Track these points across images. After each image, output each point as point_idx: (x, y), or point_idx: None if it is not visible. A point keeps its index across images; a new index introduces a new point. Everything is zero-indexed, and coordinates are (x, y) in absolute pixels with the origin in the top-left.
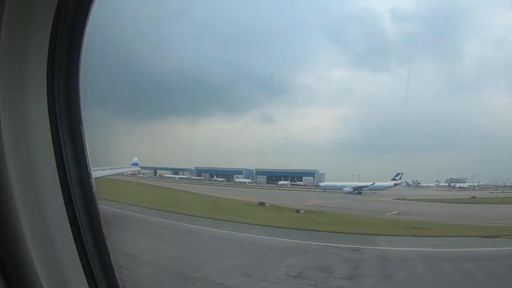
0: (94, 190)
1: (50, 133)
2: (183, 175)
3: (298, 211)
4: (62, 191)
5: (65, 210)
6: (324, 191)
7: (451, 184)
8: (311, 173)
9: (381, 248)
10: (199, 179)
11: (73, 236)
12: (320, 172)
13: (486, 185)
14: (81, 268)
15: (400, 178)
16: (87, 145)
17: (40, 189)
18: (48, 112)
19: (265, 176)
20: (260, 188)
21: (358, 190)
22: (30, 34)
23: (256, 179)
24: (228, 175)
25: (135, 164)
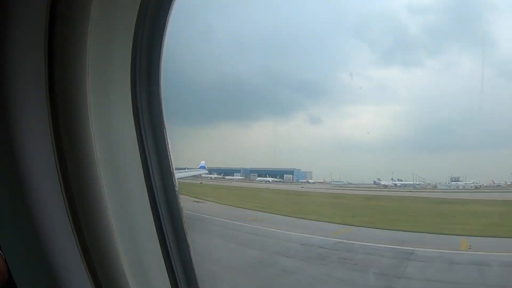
0: (176, 189)
1: (135, 136)
2: (240, 175)
3: None
4: (147, 192)
5: (150, 211)
6: None
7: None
8: (290, 172)
9: None
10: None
11: (158, 237)
12: (302, 171)
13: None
14: (165, 269)
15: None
16: (169, 146)
17: (128, 190)
18: (133, 116)
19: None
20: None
21: None
22: (114, 38)
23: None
24: (279, 174)
25: (202, 167)
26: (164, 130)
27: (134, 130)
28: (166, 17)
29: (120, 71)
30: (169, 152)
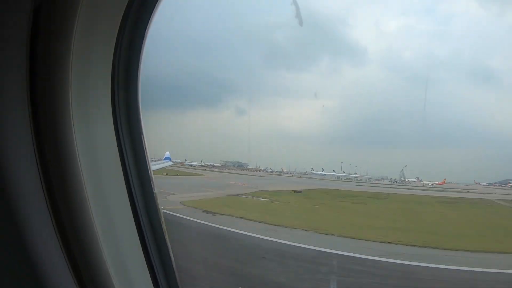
0: (155, 191)
1: (114, 136)
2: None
3: None
4: (127, 193)
5: (130, 209)
6: None
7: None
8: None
9: None
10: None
11: (139, 238)
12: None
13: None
14: (146, 267)
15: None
16: (147, 147)
17: (108, 188)
18: (112, 117)
19: None
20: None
21: None
22: (98, 40)
23: None
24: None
25: (167, 158)
26: (141, 133)
27: (113, 131)
28: (148, 23)
29: (102, 71)
30: (147, 155)
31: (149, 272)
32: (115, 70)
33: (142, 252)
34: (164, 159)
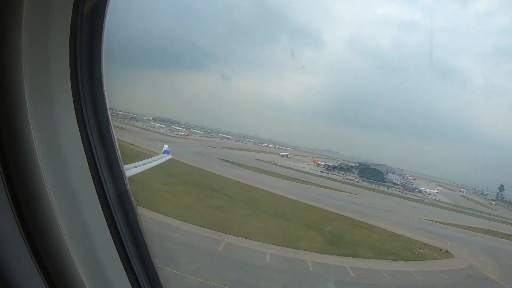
0: (128, 187)
1: (79, 131)
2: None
3: None
4: (96, 192)
5: (102, 211)
6: None
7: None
8: None
9: None
10: None
11: (111, 234)
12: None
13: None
14: (122, 265)
15: None
16: (116, 143)
17: (74, 190)
18: (75, 113)
19: None
20: None
21: None
22: (49, 31)
23: None
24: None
25: (166, 152)
26: (110, 126)
27: (78, 127)
28: (104, 10)
29: (59, 66)
30: (117, 148)
31: (128, 275)
32: (74, 61)
33: (116, 251)
34: (163, 153)
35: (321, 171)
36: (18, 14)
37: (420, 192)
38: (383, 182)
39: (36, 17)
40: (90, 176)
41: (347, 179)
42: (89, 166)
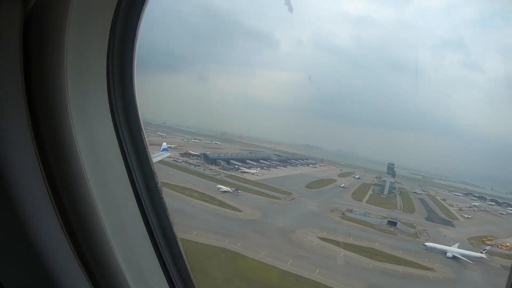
0: (159, 185)
1: (114, 135)
2: None
3: None
4: (132, 190)
5: (137, 206)
6: None
7: None
8: None
9: None
10: None
11: (148, 236)
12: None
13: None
14: (158, 264)
15: None
16: (148, 145)
17: (112, 187)
18: (111, 116)
19: None
20: None
21: None
22: (91, 42)
23: None
24: None
25: (164, 149)
26: (141, 129)
27: (114, 131)
28: (138, 21)
29: (96, 73)
30: (148, 150)
31: (162, 268)
32: (109, 66)
33: (152, 249)
34: (162, 150)
35: (182, 161)
36: (64, 15)
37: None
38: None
39: (81, 17)
40: (126, 174)
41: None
42: (125, 166)
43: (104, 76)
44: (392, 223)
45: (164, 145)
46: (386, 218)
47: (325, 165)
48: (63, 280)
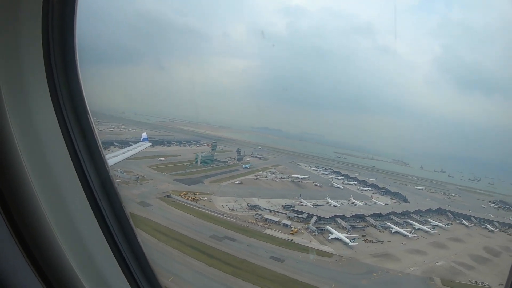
0: (111, 174)
1: (58, 126)
2: None
3: None
4: (81, 185)
5: (89, 205)
6: None
7: None
8: None
9: None
10: None
11: (103, 232)
12: None
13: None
14: (116, 260)
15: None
16: (97, 133)
17: (60, 185)
18: (53, 106)
19: None
20: None
21: None
22: (20, 29)
23: None
24: None
25: (145, 139)
26: (89, 116)
27: (57, 120)
28: (74, 7)
29: (33, 61)
30: (98, 138)
31: (123, 270)
32: (49, 56)
33: (107, 244)
34: (142, 141)
35: None
36: None
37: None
38: None
39: (4, 20)
40: (73, 166)
41: None
42: (71, 157)
43: (42, 66)
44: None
45: (144, 135)
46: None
47: (209, 146)
48: (11, 280)
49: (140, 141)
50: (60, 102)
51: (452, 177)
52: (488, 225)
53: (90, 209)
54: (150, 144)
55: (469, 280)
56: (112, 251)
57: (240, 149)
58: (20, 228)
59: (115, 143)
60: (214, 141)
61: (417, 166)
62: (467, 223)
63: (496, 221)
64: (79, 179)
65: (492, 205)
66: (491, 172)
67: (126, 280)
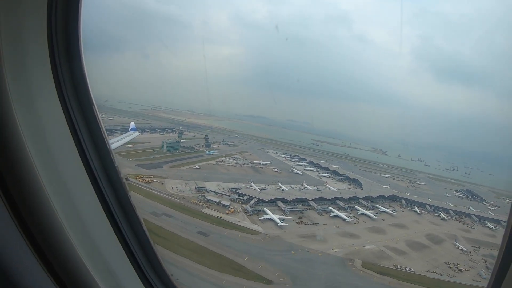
0: (121, 176)
1: (65, 121)
2: None
3: None
4: (91, 183)
5: (99, 203)
6: None
7: None
8: None
9: None
10: None
11: (113, 230)
12: None
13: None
14: (128, 259)
15: None
16: (103, 126)
17: (69, 183)
18: (59, 99)
19: None
20: None
21: None
22: (26, 25)
23: None
24: None
25: (133, 129)
26: (94, 108)
27: (63, 114)
28: None
29: (38, 54)
30: (103, 130)
31: (130, 261)
32: (53, 49)
33: (119, 242)
34: (130, 130)
35: None
36: None
37: None
38: None
39: (10, 16)
40: (80, 160)
41: None
42: (78, 151)
43: (47, 60)
44: None
45: (132, 124)
46: None
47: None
48: (25, 281)
49: (128, 131)
50: (65, 95)
51: (428, 166)
52: (442, 213)
53: (100, 204)
54: (138, 133)
55: (393, 265)
56: (123, 248)
57: (207, 136)
58: (30, 227)
59: None
60: (180, 128)
61: (395, 154)
62: (418, 211)
63: (453, 210)
64: (87, 172)
65: (458, 194)
66: (472, 162)
67: (139, 279)
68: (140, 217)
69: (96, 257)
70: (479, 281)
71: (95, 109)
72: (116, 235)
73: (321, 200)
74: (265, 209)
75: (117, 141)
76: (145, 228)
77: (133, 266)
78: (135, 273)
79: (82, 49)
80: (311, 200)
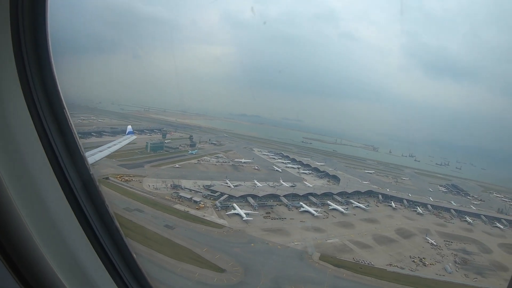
0: (92, 172)
1: (33, 125)
2: None
3: None
4: (59, 184)
5: (69, 205)
6: None
7: None
8: None
9: None
10: None
11: (85, 232)
12: None
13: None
14: (100, 260)
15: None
16: (73, 127)
17: (36, 185)
18: (28, 110)
19: None
20: None
21: None
22: None
23: None
24: None
25: (130, 132)
26: (65, 112)
27: (31, 118)
28: None
29: (2, 56)
30: (76, 134)
31: (109, 270)
32: (20, 47)
33: (90, 244)
34: (128, 134)
35: None
36: None
37: None
38: None
39: None
40: (49, 164)
41: None
42: (47, 156)
43: (12, 62)
44: None
45: (129, 128)
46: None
47: (171, 133)
48: None
49: (125, 135)
50: (34, 98)
51: (419, 161)
52: (419, 208)
53: (71, 209)
54: (135, 137)
55: (353, 258)
56: (96, 251)
57: (192, 136)
58: None
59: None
60: (165, 129)
61: (386, 151)
62: (394, 206)
63: (431, 205)
64: (57, 177)
65: (442, 189)
66: (466, 157)
67: (112, 280)
68: (112, 214)
69: (66, 259)
70: (443, 275)
71: (67, 114)
72: (86, 234)
73: (293, 196)
74: (234, 204)
75: (114, 145)
76: (119, 228)
77: (106, 266)
78: (109, 274)
79: (51, 49)
80: (283, 196)
